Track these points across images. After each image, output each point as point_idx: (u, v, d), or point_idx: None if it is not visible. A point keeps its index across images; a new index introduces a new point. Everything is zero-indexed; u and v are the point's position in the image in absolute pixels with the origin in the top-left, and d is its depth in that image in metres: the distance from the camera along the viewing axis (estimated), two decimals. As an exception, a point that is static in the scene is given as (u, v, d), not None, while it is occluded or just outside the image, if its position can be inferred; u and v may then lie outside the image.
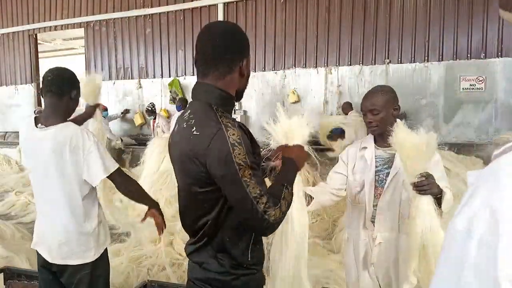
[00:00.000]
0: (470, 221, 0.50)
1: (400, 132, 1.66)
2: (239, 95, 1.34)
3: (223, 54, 1.24)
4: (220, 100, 1.24)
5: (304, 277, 1.51)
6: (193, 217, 1.30)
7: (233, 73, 1.26)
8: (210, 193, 1.20)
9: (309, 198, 1.89)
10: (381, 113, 1.83)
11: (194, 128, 1.18)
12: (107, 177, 1.85)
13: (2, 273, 2.55)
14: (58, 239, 1.89)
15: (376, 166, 1.90)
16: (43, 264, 1.95)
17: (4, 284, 2.53)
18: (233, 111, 1.41)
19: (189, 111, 1.28)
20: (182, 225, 1.40)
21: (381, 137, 1.90)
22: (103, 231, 1.99)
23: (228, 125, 1.14)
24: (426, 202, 1.64)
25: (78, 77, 1.98)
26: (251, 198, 1.11)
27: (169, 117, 7.66)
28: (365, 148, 1.96)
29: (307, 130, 1.48)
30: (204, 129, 1.16)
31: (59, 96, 1.85)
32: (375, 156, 1.92)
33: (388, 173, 1.86)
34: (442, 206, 1.68)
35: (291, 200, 1.24)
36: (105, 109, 7.66)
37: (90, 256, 1.93)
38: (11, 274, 2.55)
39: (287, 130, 1.45)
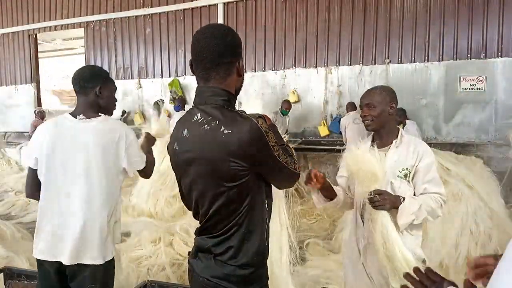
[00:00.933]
0: None
1: (351, 154, 1.79)
2: (237, 93, 1.42)
3: (222, 58, 1.30)
4: (228, 101, 1.32)
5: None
6: (221, 215, 1.32)
7: (232, 75, 1.34)
8: (244, 183, 1.28)
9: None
10: (376, 108, 1.88)
11: (223, 128, 1.24)
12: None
13: (2, 273, 2.55)
14: (83, 236, 1.82)
15: None
16: (55, 270, 1.86)
17: (4, 284, 2.53)
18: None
19: (199, 114, 1.31)
20: (202, 226, 1.39)
21: (378, 137, 1.95)
22: (119, 227, 2.00)
23: (256, 117, 1.29)
24: (381, 214, 1.76)
25: (103, 73, 2.03)
26: (285, 164, 1.33)
27: (169, 116, 7.66)
28: (359, 148, 1.98)
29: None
30: (235, 126, 1.24)
31: (84, 93, 1.93)
32: None
33: None
34: (397, 217, 1.76)
35: (293, 152, 1.48)
36: None
37: (109, 254, 1.91)
38: (11, 274, 2.55)
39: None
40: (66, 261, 1.82)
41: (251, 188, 1.30)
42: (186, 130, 1.34)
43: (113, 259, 1.96)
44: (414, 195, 1.85)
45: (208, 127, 1.26)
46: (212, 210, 1.33)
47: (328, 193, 1.92)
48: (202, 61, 1.31)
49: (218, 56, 1.30)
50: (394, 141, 1.89)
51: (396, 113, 1.96)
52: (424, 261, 1.86)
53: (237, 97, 1.43)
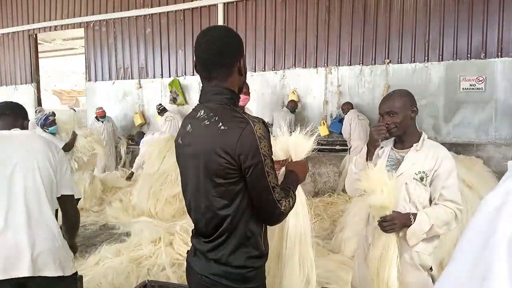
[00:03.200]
0: (503, 198, 0.53)
1: (366, 176, 1.78)
2: (239, 91, 1.44)
3: (224, 60, 1.34)
4: (231, 99, 1.35)
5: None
6: (212, 213, 1.34)
7: (234, 74, 1.37)
8: (233, 184, 1.29)
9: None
10: (399, 114, 1.87)
11: (221, 125, 1.27)
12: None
13: (2, 273, 2.54)
14: (46, 247, 1.76)
15: (386, 166, 1.94)
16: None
17: (4, 284, 2.53)
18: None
19: (202, 111, 1.35)
20: (195, 225, 1.43)
21: (400, 139, 1.95)
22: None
23: (255, 121, 1.28)
24: (385, 236, 1.78)
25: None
26: (270, 187, 1.27)
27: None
28: (382, 148, 2.03)
29: (308, 145, 1.60)
30: (232, 124, 1.27)
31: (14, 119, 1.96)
32: (388, 156, 1.97)
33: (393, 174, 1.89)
34: (407, 238, 1.78)
35: (294, 203, 1.38)
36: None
37: (70, 268, 1.85)
38: (11, 274, 2.54)
39: (288, 147, 1.60)
40: (28, 273, 1.71)
41: (242, 189, 1.30)
42: (189, 125, 1.39)
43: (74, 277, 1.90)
44: (430, 200, 1.85)
45: (208, 123, 1.31)
46: (203, 206, 1.35)
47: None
48: (204, 62, 1.35)
49: (219, 57, 1.33)
50: (415, 144, 1.89)
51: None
52: (430, 269, 1.86)
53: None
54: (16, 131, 1.92)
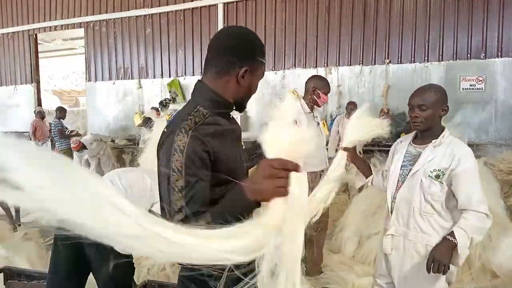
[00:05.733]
0: None
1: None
2: (238, 105, 1.29)
3: (222, 54, 1.21)
4: (209, 101, 1.22)
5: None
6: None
7: (229, 77, 1.21)
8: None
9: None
10: (429, 110, 1.82)
11: (166, 126, 1.22)
12: None
13: (2, 273, 2.55)
14: None
15: (403, 161, 1.93)
16: None
17: (4, 284, 2.53)
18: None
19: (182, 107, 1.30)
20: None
21: (421, 135, 1.92)
22: None
23: (184, 130, 1.11)
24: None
25: None
26: (172, 207, 1.08)
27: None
28: (401, 142, 2.02)
29: (307, 146, 0.93)
30: (168, 128, 1.20)
31: None
32: (406, 151, 1.95)
33: (410, 170, 1.88)
34: (459, 262, 1.71)
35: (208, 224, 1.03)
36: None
37: None
38: (11, 274, 2.55)
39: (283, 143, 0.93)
40: None
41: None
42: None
43: None
44: (447, 198, 1.81)
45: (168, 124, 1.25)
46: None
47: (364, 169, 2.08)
48: (208, 51, 1.25)
49: (222, 48, 1.21)
50: (433, 140, 1.85)
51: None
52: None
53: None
54: None
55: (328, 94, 3.35)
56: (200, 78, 1.29)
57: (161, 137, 1.23)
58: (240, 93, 1.25)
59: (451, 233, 1.71)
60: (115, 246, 1.63)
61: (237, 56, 1.20)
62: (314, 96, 3.28)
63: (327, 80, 3.43)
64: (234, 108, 1.29)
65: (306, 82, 3.39)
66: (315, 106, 3.37)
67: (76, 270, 2.09)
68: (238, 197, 0.96)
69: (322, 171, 3.19)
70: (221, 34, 1.27)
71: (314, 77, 3.45)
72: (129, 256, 2.09)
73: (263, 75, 1.30)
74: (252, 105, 7.52)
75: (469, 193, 1.75)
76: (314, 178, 2.96)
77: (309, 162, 3.06)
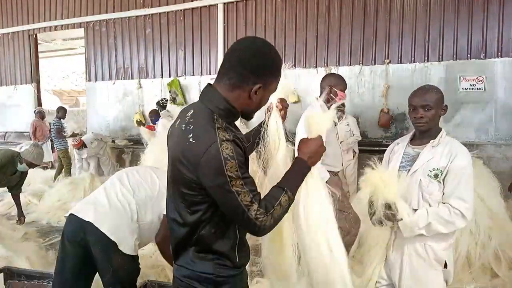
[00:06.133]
0: None
1: (372, 175, 1.76)
2: (245, 115, 1.32)
3: (240, 68, 1.22)
4: (223, 111, 1.24)
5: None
6: (178, 218, 1.31)
7: (242, 91, 1.24)
8: (195, 196, 1.23)
9: None
10: (433, 109, 1.85)
11: (191, 135, 1.20)
12: None
13: (2, 273, 2.55)
14: None
15: (402, 162, 1.93)
16: None
17: (4, 284, 2.53)
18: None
19: (192, 112, 1.29)
20: (169, 224, 1.39)
21: (421, 135, 1.93)
22: None
23: (223, 139, 1.17)
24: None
25: None
26: (243, 206, 1.17)
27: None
28: (398, 144, 2.03)
29: (326, 120, 1.45)
30: (200, 139, 1.18)
31: None
32: (404, 152, 1.95)
33: (409, 170, 1.88)
34: (401, 228, 1.78)
35: (288, 205, 1.27)
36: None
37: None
38: (11, 274, 2.55)
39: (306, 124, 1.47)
40: None
41: (204, 203, 1.24)
42: (177, 122, 1.33)
43: None
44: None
45: (184, 128, 1.25)
46: (172, 209, 1.34)
47: None
48: (225, 61, 1.26)
49: (239, 62, 1.23)
50: (432, 141, 1.87)
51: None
52: (445, 265, 1.85)
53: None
54: None
55: (345, 90, 3.27)
56: (211, 83, 1.30)
57: (181, 144, 1.23)
58: (251, 106, 1.30)
59: (414, 209, 1.77)
60: (120, 246, 1.73)
61: (253, 73, 1.22)
62: (332, 95, 3.18)
63: (342, 77, 3.39)
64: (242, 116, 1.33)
65: (321, 82, 3.33)
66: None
67: (83, 269, 2.09)
68: (303, 165, 1.33)
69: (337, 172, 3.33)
70: (239, 45, 1.27)
71: (329, 75, 3.40)
72: (134, 257, 2.10)
73: (276, 89, 1.33)
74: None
75: (453, 188, 1.77)
76: (334, 176, 3.13)
77: (330, 163, 3.13)
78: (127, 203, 2.13)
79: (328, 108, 3.02)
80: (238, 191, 1.16)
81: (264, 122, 1.47)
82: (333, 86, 3.18)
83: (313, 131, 1.41)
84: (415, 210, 1.80)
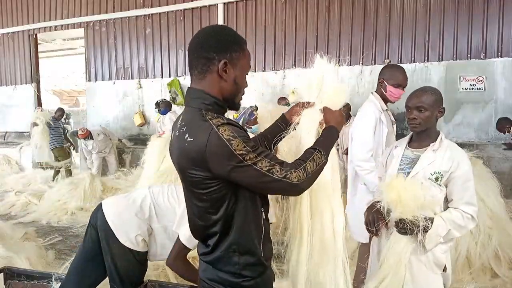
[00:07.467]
0: None
1: (397, 182, 1.76)
2: (230, 103, 1.29)
3: (201, 52, 1.22)
4: (210, 105, 1.23)
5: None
6: (199, 220, 1.30)
7: (212, 74, 1.23)
8: (214, 193, 1.22)
9: None
10: (427, 111, 1.83)
11: (187, 135, 1.19)
12: None
13: (2, 273, 2.55)
14: None
15: (401, 165, 1.93)
16: None
17: (4, 284, 2.53)
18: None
19: (181, 118, 1.28)
20: (192, 231, 1.39)
21: (418, 138, 1.93)
22: None
23: (219, 124, 1.15)
24: (403, 242, 1.79)
25: None
26: (265, 172, 1.15)
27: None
28: (396, 147, 2.01)
29: (343, 95, 1.59)
30: (197, 134, 1.17)
31: None
32: (402, 155, 1.95)
33: (409, 173, 1.87)
34: (426, 242, 1.75)
35: (323, 162, 1.28)
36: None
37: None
38: (11, 274, 2.55)
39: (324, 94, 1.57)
40: None
41: (226, 196, 1.22)
42: (172, 132, 1.33)
43: None
44: (445, 200, 1.85)
45: (178, 133, 1.24)
46: (192, 213, 1.33)
47: None
48: (189, 55, 1.26)
49: (199, 47, 1.23)
50: (431, 144, 1.86)
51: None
52: (444, 269, 1.85)
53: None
54: None
55: (403, 87, 2.62)
56: (190, 86, 1.29)
57: (179, 149, 1.23)
58: (227, 89, 1.25)
59: (432, 219, 1.75)
60: (116, 233, 1.70)
61: (215, 51, 1.21)
62: (382, 90, 2.66)
63: (399, 70, 2.67)
64: (228, 107, 1.31)
65: (378, 74, 2.82)
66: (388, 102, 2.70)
67: (96, 257, 2.12)
68: (333, 129, 1.44)
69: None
70: (197, 35, 1.28)
71: (385, 67, 2.78)
72: (134, 253, 2.08)
73: (249, 68, 1.31)
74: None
75: (461, 194, 1.80)
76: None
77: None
78: (142, 198, 2.17)
79: (381, 107, 2.66)
80: (254, 162, 1.15)
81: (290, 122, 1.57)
82: (385, 80, 2.62)
83: (331, 104, 1.53)
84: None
